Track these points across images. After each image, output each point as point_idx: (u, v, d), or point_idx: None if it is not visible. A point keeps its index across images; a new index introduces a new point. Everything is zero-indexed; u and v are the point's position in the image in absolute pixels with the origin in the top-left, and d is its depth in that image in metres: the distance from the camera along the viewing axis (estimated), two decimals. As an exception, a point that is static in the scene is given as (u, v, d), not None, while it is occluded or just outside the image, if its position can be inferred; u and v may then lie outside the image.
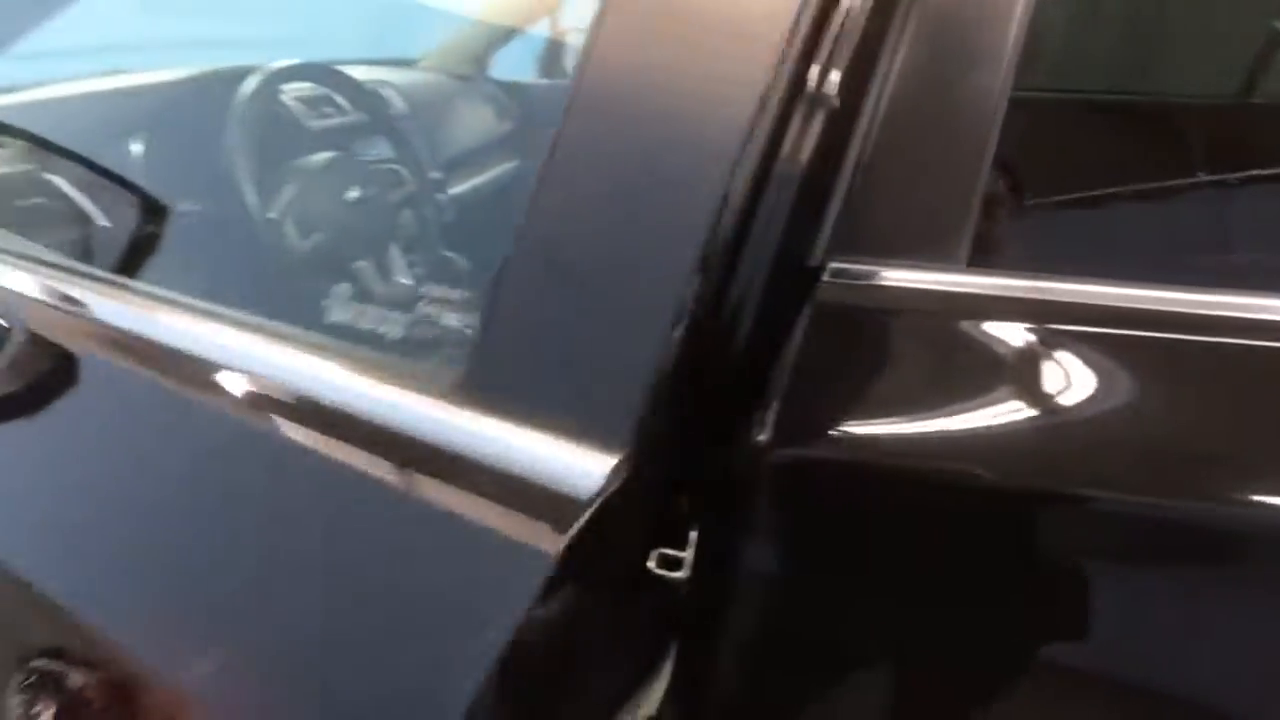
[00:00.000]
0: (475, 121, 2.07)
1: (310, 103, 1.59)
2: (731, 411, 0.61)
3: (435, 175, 1.57)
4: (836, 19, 0.61)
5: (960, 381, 0.59)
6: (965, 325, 0.60)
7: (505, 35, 2.23)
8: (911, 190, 0.63)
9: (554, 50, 2.25)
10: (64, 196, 1.17)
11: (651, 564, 0.69)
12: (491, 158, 2.10)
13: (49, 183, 1.16)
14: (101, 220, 1.19)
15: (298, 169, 1.29)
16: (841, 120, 0.61)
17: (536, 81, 2.27)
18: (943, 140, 0.63)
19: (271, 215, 1.20)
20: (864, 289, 0.60)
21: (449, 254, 1.61)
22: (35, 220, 1.12)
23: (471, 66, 2.19)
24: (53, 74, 1.43)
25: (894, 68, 0.62)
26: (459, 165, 1.93)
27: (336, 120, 1.61)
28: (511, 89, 2.24)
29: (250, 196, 1.17)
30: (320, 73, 1.39)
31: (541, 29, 2.23)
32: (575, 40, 2.23)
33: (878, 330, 0.61)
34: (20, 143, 1.17)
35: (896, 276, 0.60)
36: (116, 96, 1.31)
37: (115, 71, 1.56)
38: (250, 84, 1.24)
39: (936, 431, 0.59)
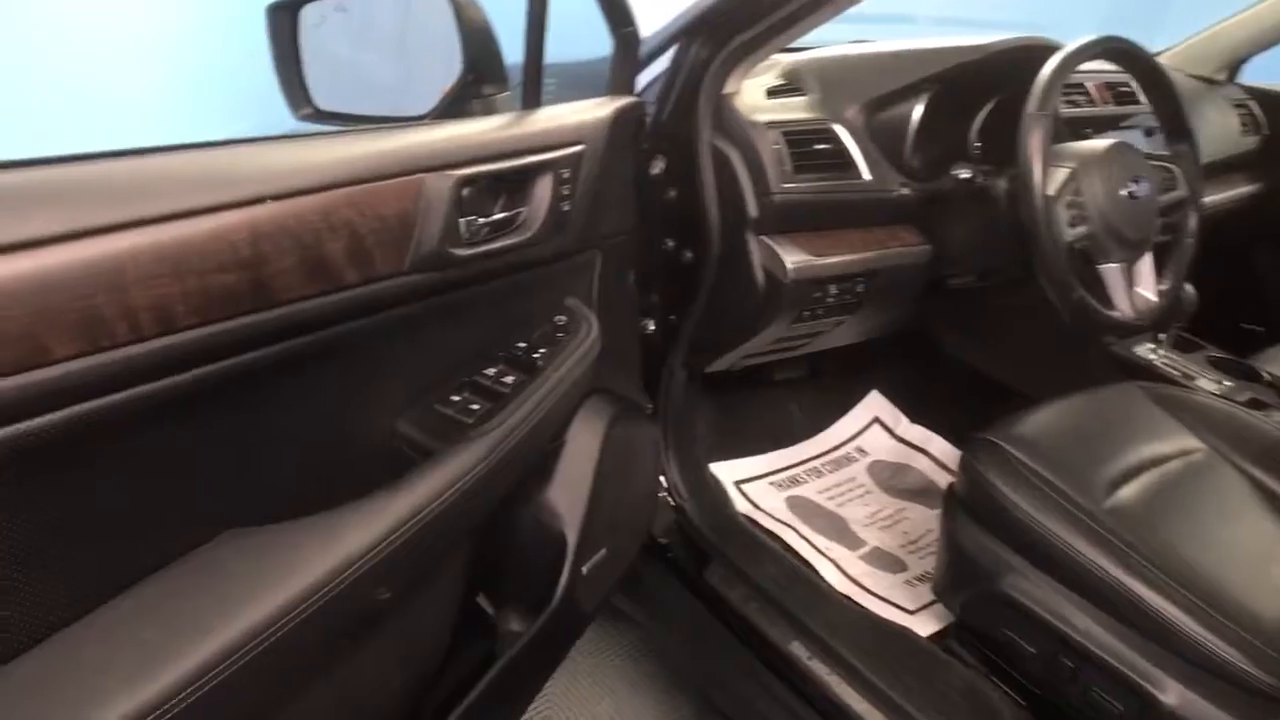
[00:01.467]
0: (1217, 130, 1.78)
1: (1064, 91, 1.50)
2: None
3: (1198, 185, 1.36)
4: None
5: None
6: None
7: (1266, 39, 1.87)
8: None
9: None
10: (843, 145, 1.25)
11: None
12: (1235, 174, 1.80)
13: (833, 132, 1.25)
14: (866, 174, 1.25)
15: (1076, 152, 1.21)
16: None
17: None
18: None
19: (1050, 193, 1.13)
20: None
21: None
22: (820, 161, 1.22)
23: (1217, 69, 1.89)
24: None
25: None
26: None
27: (1083, 110, 1.50)
28: (1265, 99, 1.89)
29: (1036, 173, 1.11)
30: (1118, 53, 1.28)
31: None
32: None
33: None
34: (815, 94, 1.28)
35: None
36: (903, 59, 1.36)
37: (861, 40, 1.65)
38: (1054, 60, 1.18)
39: None
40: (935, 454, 1.70)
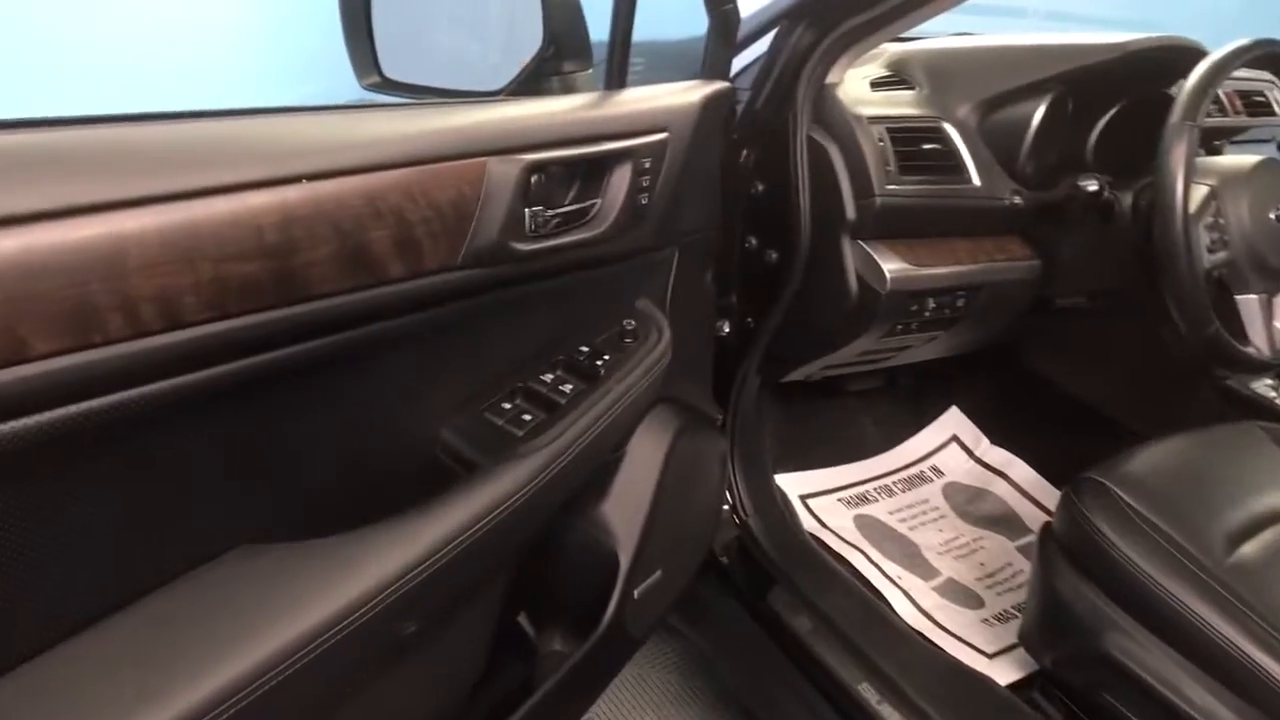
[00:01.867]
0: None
1: None
2: None
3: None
4: None
5: None
6: None
7: None
8: None
9: None
10: (953, 146, 1.15)
11: None
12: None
13: (944, 131, 1.15)
14: (976, 179, 1.15)
15: (1218, 169, 1.09)
16: None
17: None
18: None
19: (1192, 211, 1.02)
20: None
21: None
22: (927, 162, 1.12)
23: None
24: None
25: None
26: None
27: (1214, 120, 1.37)
28: None
29: (1178, 190, 1.00)
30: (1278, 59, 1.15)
31: None
32: None
33: None
34: (923, 89, 1.18)
35: None
36: (1025, 55, 1.25)
37: (963, 33, 1.54)
38: (1204, 65, 1.06)
39: None
40: (1017, 480, 1.59)
